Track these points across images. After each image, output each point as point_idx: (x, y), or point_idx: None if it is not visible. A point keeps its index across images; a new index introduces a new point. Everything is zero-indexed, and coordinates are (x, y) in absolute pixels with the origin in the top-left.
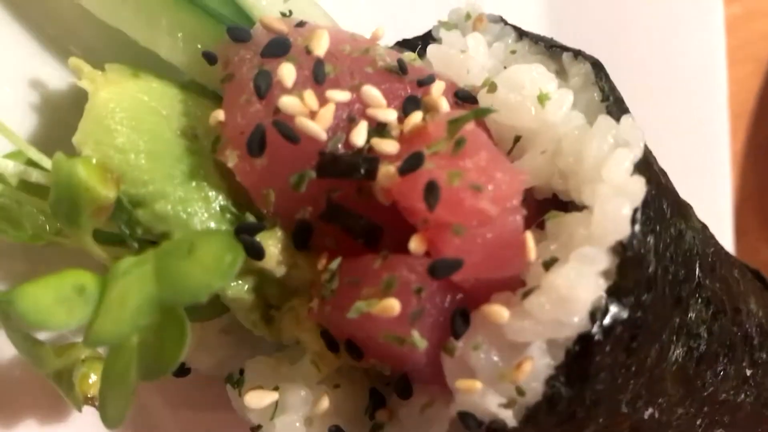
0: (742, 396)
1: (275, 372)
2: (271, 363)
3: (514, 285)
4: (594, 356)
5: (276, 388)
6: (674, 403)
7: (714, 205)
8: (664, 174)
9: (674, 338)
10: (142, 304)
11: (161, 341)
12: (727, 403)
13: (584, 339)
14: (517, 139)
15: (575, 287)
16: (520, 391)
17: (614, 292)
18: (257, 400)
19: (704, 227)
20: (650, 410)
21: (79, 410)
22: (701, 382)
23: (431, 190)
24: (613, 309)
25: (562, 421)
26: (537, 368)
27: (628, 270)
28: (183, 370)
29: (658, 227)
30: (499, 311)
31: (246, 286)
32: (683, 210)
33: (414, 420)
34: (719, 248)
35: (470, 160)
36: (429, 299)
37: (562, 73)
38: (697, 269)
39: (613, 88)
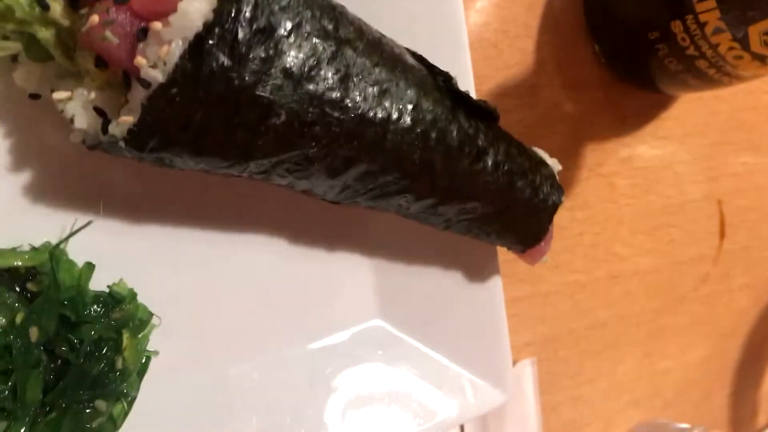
0: None
1: (75, 85)
2: (72, 82)
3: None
4: (204, 44)
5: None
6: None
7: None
8: None
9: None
10: None
11: None
12: None
13: (197, 37)
14: None
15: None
16: (165, 64)
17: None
18: (59, 95)
19: None
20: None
21: None
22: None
23: None
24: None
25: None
26: (173, 51)
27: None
28: (34, 96)
29: None
30: (157, 26)
31: (51, 32)
32: None
33: (132, 95)
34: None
35: None
36: (117, 16)
37: None
38: None
39: None
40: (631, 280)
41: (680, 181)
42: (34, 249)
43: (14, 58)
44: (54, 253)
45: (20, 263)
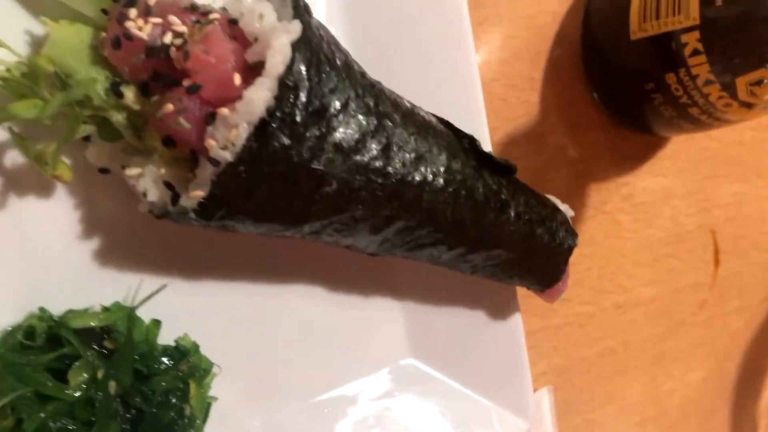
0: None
1: (144, 162)
2: (140, 159)
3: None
4: (268, 127)
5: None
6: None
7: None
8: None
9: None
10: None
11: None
12: None
13: (261, 121)
14: (255, 39)
15: (255, 96)
16: (233, 145)
17: (279, 96)
18: (131, 171)
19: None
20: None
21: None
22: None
23: (186, 54)
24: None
25: (261, 157)
26: (240, 134)
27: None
28: (104, 170)
29: (318, 66)
30: (224, 111)
31: (122, 116)
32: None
33: (200, 171)
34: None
35: (206, 42)
36: (189, 104)
37: (281, 4)
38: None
39: (297, 8)
40: (636, 308)
41: (677, 215)
42: (105, 309)
43: (86, 138)
44: (131, 314)
45: (96, 323)
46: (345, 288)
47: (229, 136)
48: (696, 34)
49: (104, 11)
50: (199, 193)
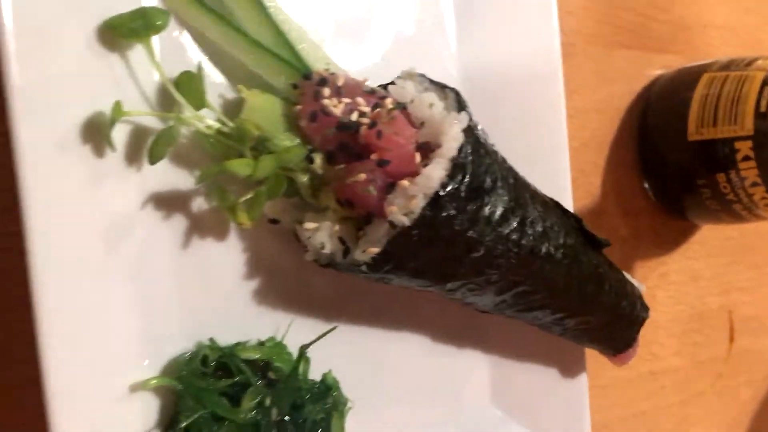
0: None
1: (317, 218)
2: (312, 215)
3: (415, 174)
4: (440, 200)
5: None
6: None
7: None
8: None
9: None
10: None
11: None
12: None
13: (436, 194)
14: (422, 123)
15: (433, 173)
16: (411, 212)
17: (450, 174)
18: (308, 225)
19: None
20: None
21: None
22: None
23: (379, 134)
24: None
25: (433, 224)
26: (418, 203)
27: (456, 167)
28: (274, 221)
29: (478, 150)
30: (405, 183)
31: (306, 177)
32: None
33: (372, 230)
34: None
35: (395, 124)
36: (376, 175)
37: (441, 95)
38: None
39: (460, 101)
40: (665, 375)
41: (702, 294)
42: (261, 343)
43: None
44: (302, 352)
45: (259, 356)
46: (444, 337)
47: (408, 205)
48: (749, 143)
49: (294, 86)
50: (374, 250)
